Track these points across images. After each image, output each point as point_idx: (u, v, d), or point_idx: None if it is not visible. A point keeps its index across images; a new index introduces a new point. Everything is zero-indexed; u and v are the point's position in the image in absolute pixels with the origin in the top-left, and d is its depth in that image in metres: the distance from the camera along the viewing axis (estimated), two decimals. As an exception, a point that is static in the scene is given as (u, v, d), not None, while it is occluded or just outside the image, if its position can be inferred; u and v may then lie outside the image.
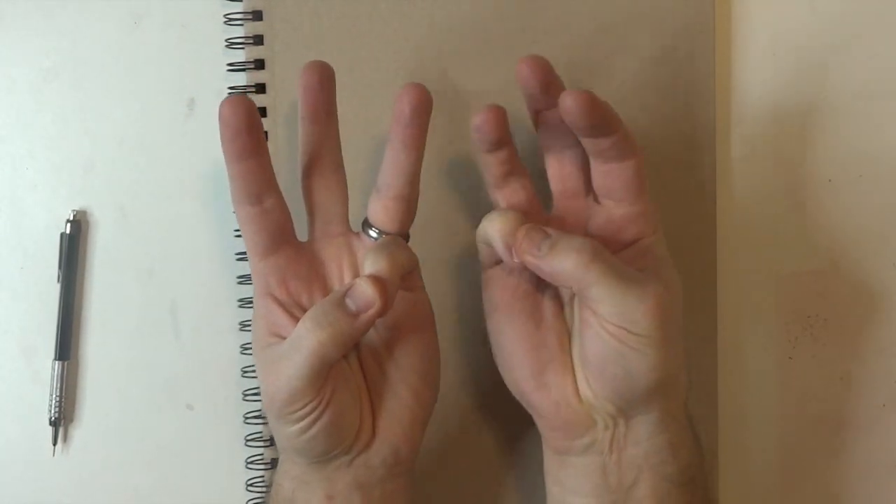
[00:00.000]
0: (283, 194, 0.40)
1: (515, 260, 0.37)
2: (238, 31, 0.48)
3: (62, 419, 0.49)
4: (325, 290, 0.41)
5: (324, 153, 0.40)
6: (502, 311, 0.40)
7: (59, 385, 0.48)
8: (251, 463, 0.49)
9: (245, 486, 0.49)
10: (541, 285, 0.40)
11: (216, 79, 0.48)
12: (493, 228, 0.38)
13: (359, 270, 0.40)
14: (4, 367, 0.49)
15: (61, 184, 0.49)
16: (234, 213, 0.39)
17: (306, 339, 0.36)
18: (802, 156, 0.49)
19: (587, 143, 0.38)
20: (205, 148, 0.48)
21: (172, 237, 0.49)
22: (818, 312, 0.50)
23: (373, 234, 0.40)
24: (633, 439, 0.38)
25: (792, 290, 0.50)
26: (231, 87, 0.48)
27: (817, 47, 0.49)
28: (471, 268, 0.48)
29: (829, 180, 0.50)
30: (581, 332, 0.38)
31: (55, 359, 0.48)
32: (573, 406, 0.39)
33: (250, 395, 0.48)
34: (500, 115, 0.38)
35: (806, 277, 0.50)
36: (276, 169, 0.46)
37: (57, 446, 0.49)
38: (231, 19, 0.47)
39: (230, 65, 0.48)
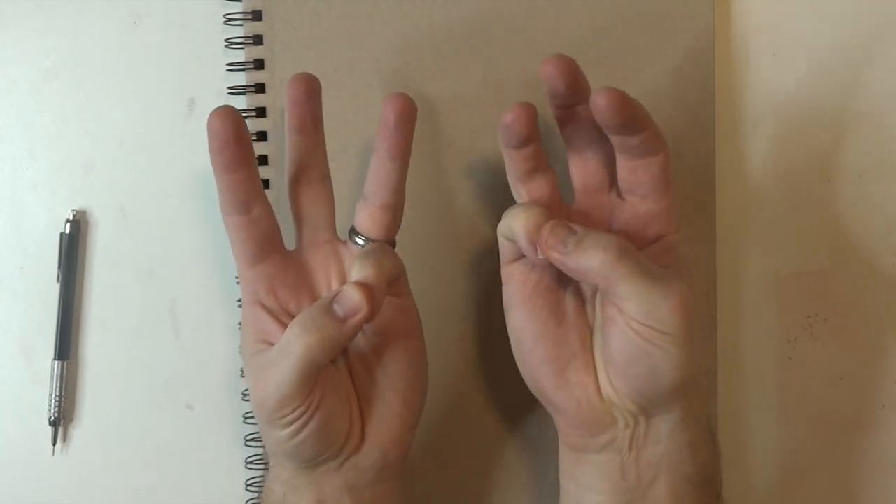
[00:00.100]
0: (281, 195, 0.40)
1: (540, 256, 0.37)
2: (238, 31, 0.48)
3: (62, 419, 0.49)
4: (313, 297, 0.41)
5: (311, 163, 0.40)
6: (523, 307, 0.40)
7: (58, 385, 0.48)
8: (251, 463, 0.49)
9: (245, 486, 0.49)
10: (563, 281, 0.40)
11: (216, 79, 0.48)
12: (518, 223, 0.38)
13: (346, 277, 0.41)
14: (4, 367, 0.49)
15: (61, 184, 0.49)
16: (223, 222, 0.39)
17: (295, 345, 0.36)
18: (802, 156, 0.49)
19: (616, 139, 0.37)
20: (205, 148, 0.47)
21: (172, 237, 0.49)
22: (818, 312, 0.50)
23: (360, 241, 0.41)
24: (654, 438, 0.38)
25: (792, 290, 0.50)
26: (231, 87, 0.48)
27: (817, 47, 0.49)
28: (480, 266, 0.48)
29: (829, 180, 0.50)
30: (605, 330, 0.38)
31: (55, 359, 0.48)
32: (594, 404, 0.39)
33: (250, 395, 0.48)
34: (530, 112, 0.38)
35: (806, 277, 0.50)
36: (275, 169, 0.47)
37: (56, 446, 0.49)
38: (231, 19, 0.47)
39: (230, 65, 0.48)
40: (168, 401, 0.49)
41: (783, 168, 0.49)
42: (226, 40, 0.48)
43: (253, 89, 0.48)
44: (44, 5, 0.48)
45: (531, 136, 0.39)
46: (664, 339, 0.36)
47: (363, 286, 0.37)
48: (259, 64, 0.47)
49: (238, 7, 0.47)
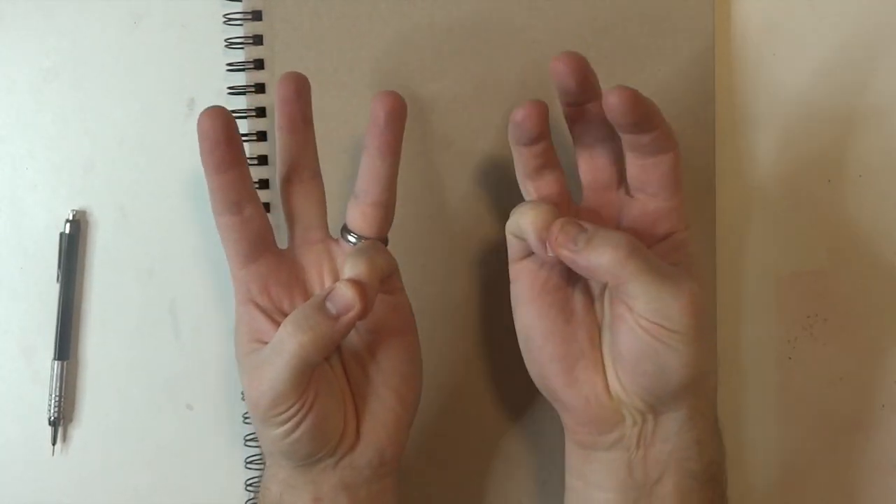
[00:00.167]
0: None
1: (550, 254, 0.37)
2: (238, 31, 0.48)
3: (62, 419, 0.49)
4: (306, 295, 0.41)
5: (301, 162, 0.40)
6: (532, 305, 0.40)
7: (58, 385, 0.48)
8: (250, 463, 0.49)
9: (244, 486, 0.49)
10: (571, 279, 0.40)
11: (216, 79, 0.48)
12: (526, 221, 0.38)
13: (339, 275, 0.41)
14: (4, 367, 0.49)
15: (61, 184, 0.49)
16: (215, 222, 0.39)
17: (288, 343, 0.36)
18: (802, 156, 0.49)
19: (627, 137, 0.37)
20: (205, 148, 0.48)
21: (172, 237, 0.49)
22: (818, 312, 0.50)
23: (352, 239, 0.41)
24: (662, 436, 0.38)
25: (791, 290, 0.50)
26: (231, 87, 0.48)
27: (817, 47, 0.49)
28: (479, 265, 0.48)
29: (829, 180, 0.50)
30: (614, 328, 0.38)
31: (55, 358, 0.48)
32: (603, 402, 0.39)
33: (244, 394, 0.48)
34: (542, 110, 0.38)
35: (806, 277, 0.50)
36: (274, 169, 0.47)
37: (56, 446, 0.49)
38: (231, 19, 0.47)
39: (230, 65, 0.48)
40: (168, 401, 0.49)
41: (783, 168, 0.49)
42: (226, 40, 0.48)
43: (253, 89, 0.48)
44: (44, 5, 0.48)
45: (542, 134, 0.39)
46: (673, 337, 0.36)
47: (355, 283, 0.37)
48: (259, 64, 0.47)
49: (238, 7, 0.47)
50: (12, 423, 0.49)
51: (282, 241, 0.42)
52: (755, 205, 0.49)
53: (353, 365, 0.41)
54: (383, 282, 0.39)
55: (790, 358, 0.50)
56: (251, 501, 0.49)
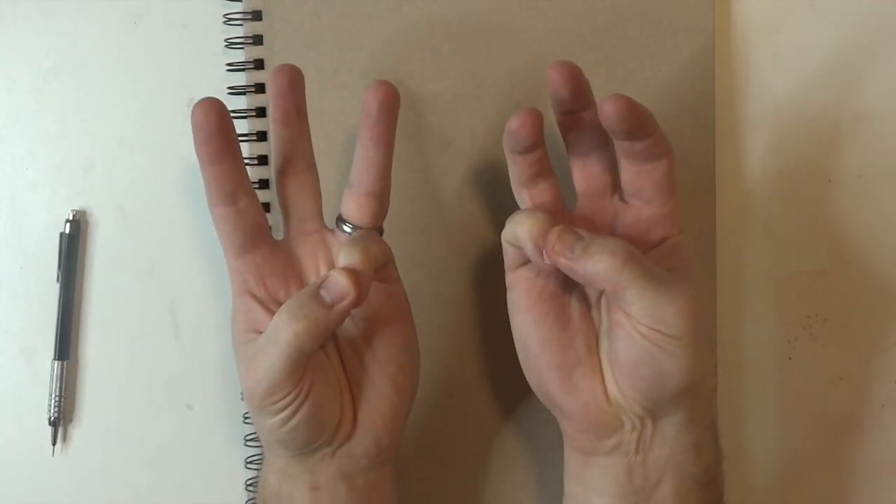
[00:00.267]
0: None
1: (546, 262, 0.37)
2: (238, 31, 0.48)
3: (62, 419, 0.49)
4: (302, 285, 0.41)
5: (296, 153, 0.41)
6: (529, 312, 0.40)
7: (58, 385, 0.48)
8: (251, 463, 0.49)
9: (245, 486, 0.49)
10: (567, 286, 0.40)
11: (216, 79, 0.48)
12: (523, 229, 0.38)
13: (334, 265, 0.41)
14: (4, 367, 0.49)
15: (61, 184, 0.49)
16: (210, 214, 0.40)
17: (282, 332, 0.37)
18: (802, 156, 0.49)
19: (621, 144, 0.37)
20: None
21: (172, 237, 0.49)
22: (818, 312, 0.50)
23: (347, 229, 0.41)
24: (660, 440, 0.39)
25: (791, 290, 0.50)
26: (231, 87, 0.48)
27: (817, 47, 0.49)
28: (479, 264, 0.48)
29: (829, 180, 0.50)
30: (611, 334, 0.38)
31: (55, 358, 0.48)
32: (602, 407, 0.39)
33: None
34: (536, 119, 0.38)
35: (806, 277, 0.50)
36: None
37: (56, 446, 0.49)
38: (231, 19, 0.47)
39: (230, 65, 0.48)
40: (168, 401, 0.49)
41: (783, 168, 0.49)
42: (226, 40, 0.48)
43: (253, 89, 0.48)
44: (44, 5, 0.48)
45: (536, 143, 0.39)
46: (671, 343, 0.36)
47: (350, 272, 0.37)
48: (259, 64, 0.47)
49: (238, 7, 0.47)
50: (12, 424, 0.49)
51: (279, 236, 0.42)
52: (755, 204, 0.49)
53: (349, 353, 0.41)
54: (378, 270, 0.39)
55: (790, 358, 0.50)
56: (251, 501, 0.49)
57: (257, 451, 0.49)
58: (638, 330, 0.36)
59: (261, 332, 0.39)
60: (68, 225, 0.48)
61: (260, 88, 0.48)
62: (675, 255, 0.39)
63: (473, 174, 0.48)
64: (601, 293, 0.39)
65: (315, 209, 0.42)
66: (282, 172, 0.41)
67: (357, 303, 0.37)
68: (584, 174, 0.41)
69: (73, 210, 0.49)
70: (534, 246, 0.37)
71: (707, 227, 0.48)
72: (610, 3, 0.47)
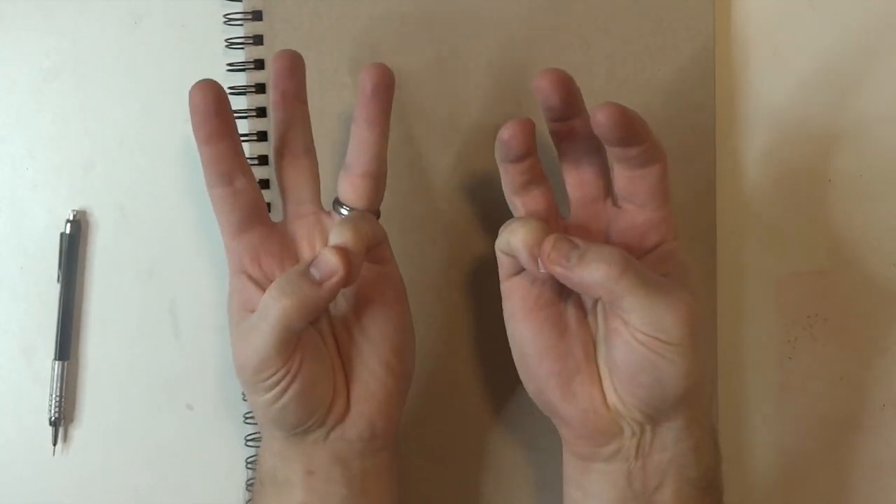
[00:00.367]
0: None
1: (542, 270, 0.37)
2: (238, 31, 0.48)
3: (62, 419, 0.49)
4: None
5: (295, 137, 0.41)
6: (525, 321, 0.40)
7: (59, 385, 0.48)
8: (251, 463, 0.49)
9: (245, 486, 0.49)
10: (563, 293, 0.40)
11: (216, 79, 0.48)
12: (517, 239, 0.37)
13: None
14: (4, 367, 0.49)
15: (61, 184, 0.49)
16: (208, 195, 0.40)
17: (272, 308, 0.37)
18: (802, 156, 0.49)
19: (614, 151, 0.37)
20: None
21: (172, 237, 0.49)
22: (818, 312, 0.50)
23: (343, 211, 0.41)
24: (660, 445, 0.38)
25: (792, 290, 0.50)
26: (231, 87, 0.48)
27: (817, 46, 0.49)
28: (477, 263, 0.48)
29: (829, 180, 0.50)
30: (609, 341, 0.38)
31: (55, 359, 0.48)
32: (601, 414, 0.39)
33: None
34: (528, 128, 0.38)
35: (806, 277, 0.50)
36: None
37: (57, 446, 0.49)
38: (231, 19, 0.47)
39: (230, 65, 0.48)
40: (168, 401, 0.49)
41: (783, 168, 0.49)
42: (226, 40, 0.48)
43: (253, 89, 0.48)
44: (44, 5, 0.48)
45: (528, 152, 0.39)
46: (669, 350, 0.36)
47: (340, 249, 0.37)
48: (259, 64, 0.47)
49: (238, 7, 0.47)
50: (12, 424, 0.49)
51: (277, 217, 0.42)
52: (755, 204, 0.49)
53: (342, 334, 0.41)
54: (371, 251, 0.39)
55: (790, 358, 0.50)
56: (250, 481, 0.49)
57: (258, 451, 0.49)
58: (636, 337, 0.36)
59: (255, 311, 0.39)
60: (68, 225, 0.48)
61: (260, 88, 0.48)
62: (670, 260, 0.39)
63: (470, 176, 0.48)
64: (597, 300, 0.39)
65: (312, 192, 0.42)
66: (280, 155, 0.42)
67: (347, 281, 0.37)
68: (578, 180, 0.41)
69: (73, 210, 0.49)
70: (529, 255, 0.37)
71: (707, 227, 0.48)
72: (610, 3, 0.47)
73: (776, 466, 0.50)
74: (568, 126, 0.39)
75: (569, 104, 0.38)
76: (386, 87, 0.40)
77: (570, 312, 0.40)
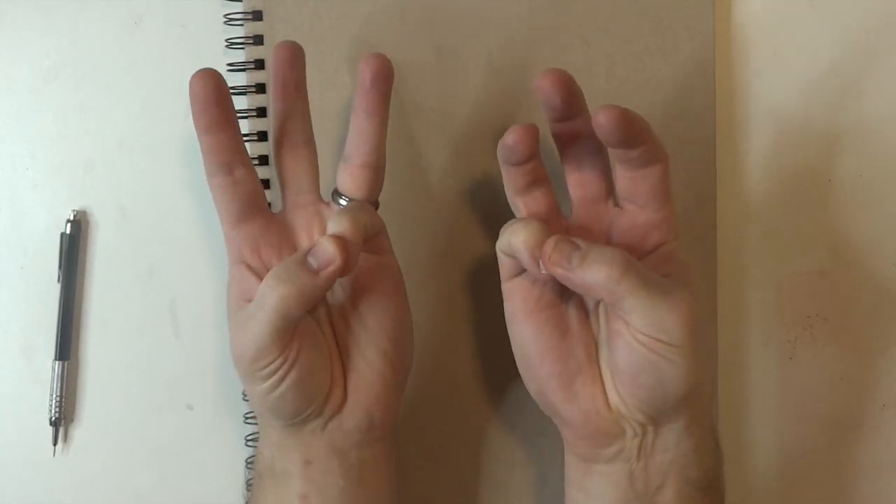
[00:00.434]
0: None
1: (543, 272, 0.37)
2: (238, 32, 0.48)
3: (62, 419, 0.49)
4: None
5: (295, 128, 0.41)
6: (527, 322, 0.40)
7: (59, 385, 0.48)
8: (251, 463, 0.49)
9: (245, 486, 0.49)
10: (565, 294, 0.40)
11: (216, 78, 0.48)
12: (518, 240, 0.37)
13: None
14: (4, 367, 0.49)
15: (61, 184, 0.49)
16: (207, 185, 0.40)
17: (269, 296, 0.37)
18: (802, 156, 0.49)
19: (616, 152, 0.37)
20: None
21: (172, 237, 0.49)
22: (818, 312, 0.50)
23: (342, 202, 0.41)
24: (661, 446, 0.38)
25: (792, 290, 0.50)
26: (231, 88, 0.47)
27: (817, 46, 0.49)
28: (476, 263, 0.48)
29: (829, 180, 0.50)
30: (611, 342, 0.38)
31: (55, 359, 0.48)
32: (603, 415, 0.39)
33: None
34: (533, 134, 0.38)
35: (806, 277, 0.50)
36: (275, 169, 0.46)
37: (57, 446, 0.49)
38: (231, 19, 0.47)
39: (230, 65, 0.48)
40: (168, 401, 0.49)
41: (783, 168, 0.49)
42: (226, 40, 0.48)
43: (253, 89, 0.48)
44: (44, 5, 0.48)
45: (531, 156, 0.39)
46: (671, 351, 0.36)
47: (337, 239, 0.37)
48: (259, 64, 0.47)
49: (238, 7, 0.47)
50: (13, 424, 0.49)
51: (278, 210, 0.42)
52: (755, 205, 0.49)
53: (340, 324, 0.41)
54: (370, 241, 0.40)
55: (791, 358, 0.50)
56: (250, 480, 0.49)
57: (256, 446, 0.49)
58: (637, 339, 0.36)
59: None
60: (68, 225, 0.48)
61: (260, 88, 0.48)
62: (671, 261, 0.39)
63: (469, 175, 0.48)
64: (599, 301, 0.39)
65: (311, 182, 0.42)
66: (280, 146, 0.42)
67: (344, 270, 0.37)
68: (579, 180, 0.41)
69: (73, 210, 0.49)
70: (530, 256, 0.37)
71: (708, 227, 0.48)
72: (610, 3, 0.47)
73: (776, 466, 0.50)
74: (569, 126, 0.39)
75: (570, 104, 0.38)
76: (385, 77, 0.40)
77: (572, 313, 0.40)
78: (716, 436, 0.41)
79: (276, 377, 0.38)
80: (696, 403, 0.38)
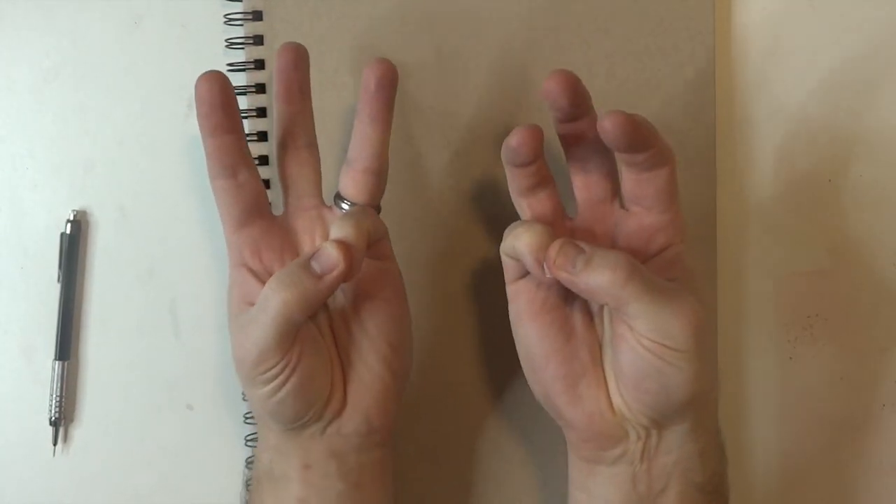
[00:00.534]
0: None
1: (548, 275, 0.37)
2: (238, 32, 0.48)
3: (62, 419, 0.49)
4: None
5: (297, 130, 0.41)
6: (532, 324, 0.39)
7: (59, 385, 0.48)
8: (251, 463, 0.49)
9: (245, 486, 0.49)
10: (569, 297, 0.40)
11: (216, 79, 0.48)
12: (522, 243, 0.37)
13: None
14: (4, 367, 0.49)
15: (61, 184, 0.49)
16: (210, 187, 0.40)
17: (272, 300, 0.37)
18: (802, 156, 0.49)
19: (622, 155, 0.37)
20: (205, 148, 0.48)
21: (172, 237, 0.49)
22: (818, 312, 0.50)
23: (345, 206, 0.41)
24: (665, 449, 0.38)
25: (791, 289, 0.50)
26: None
27: (817, 46, 0.49)
28: (484, 258, 0.48)
29: (829, 180, 0.50)
30: (615, 346, 0.38)
31: (55, 359, 0.48)
32: (607, 418, 0.39)
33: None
34: (537, 135, 0.38)
35: (806, 277, 0.50)
36: (275, 169, 0.47)
37: (57, 446, 0.49)
38: (231, 19, 0.47)
39: (230, 65, 0.48)
40: (168, 401, 0.49)
41: (783, 167, 0.49)
42: (226, 40, 0.48)
43: (253, 89, 0.48)
44: (44, 5, 0.48)
45: (536, 157, 0.39)
46: (676, 356, 0.36)
47: (341, 244, 0.37)
48: (259, 64, 0.47)
49: (238, 7, 0.47)
50: (13, 424, 0.49)
51: (279, 213, 0.42)
52: (755, 204, 0.49)
53: (340, 329, 0.41)
54: (372, 247, 0.39)
55: (790, 358, 0.50)
56: (248, 482, 0.49)
57: (255, 449, 0.49)
58: (642, 343, 0.36)
59: (254, 304, 0.39)
60: (68, 225, 0.48)
61: (260, 88, 0.48)
62: (677, 265, 0.39)
63: (470, 175, 0.48)
64: (603, 304, 0.39)
65: (314, 186, 0.42)
66: (283, 148, 0.42)
67: (347, 275, 0.37)
68: (585, 182, 0.40)
69: (73, 210, 0.49)
70: (534, 260, 0.37)
71: (708, 226, 0.48)
72: (610, 3, 0.47)
73: (776, 466, 0.50)
74: (575, 127, 0.39)
75: (577, 105, 0.38)
76: (390, 82, 0.40)
77: (577, 315, 0.40)
78: (721, 439, 0.41)
79: (277, 381, 0.38)
80: (701, 408, 0.38)
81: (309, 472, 0.40)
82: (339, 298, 0.41)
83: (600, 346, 0.40)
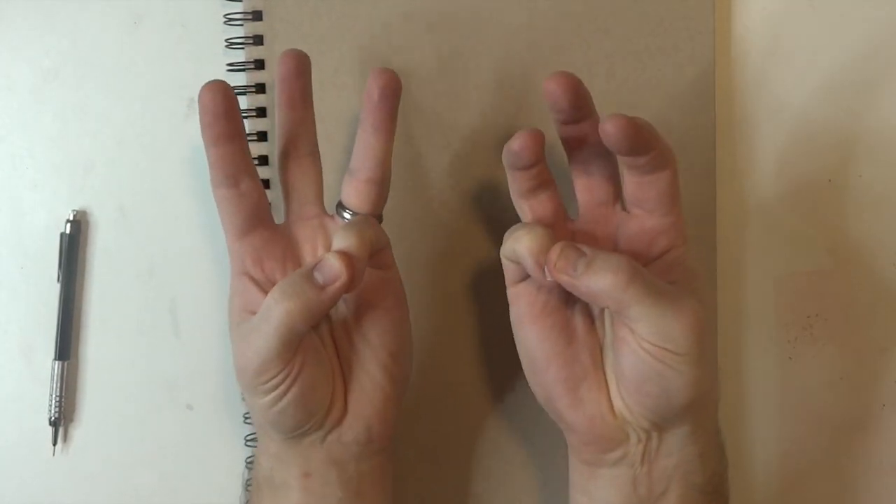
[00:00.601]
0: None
1: (549, 279, 0.37)
2: (238, 32, 0.48)
3: (62, 419, 0.49)
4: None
5: (299, 138, 0.41)
6: (533, 327, 0.39)
7: (58, 385, 0.48)
8: (251, 463, 0.49)
9: (245, 486, 0.49)
10: (570, 300, 0.40)
11: (216, 79, 0.48)
12: (522, 246, 0.37)
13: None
14: (4, 367, 0.49)
15: (61, 184, 0.49)
16: (213, 195, 0.40)
17: (275, 310, 0.37)
18: (802, 155, 0.49)
19: (624, 158, 0.37)
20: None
21: (172, 237, 0.49)
22: (818, 312, 0.50)
23: (346, 215, 0.41)
24: (666, 451, 0.38)
25: (791, 290, 0.50)
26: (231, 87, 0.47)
27: (817, 47, 0.49)
28: (485, 258, 0.48)
29: (829, 180, 0.50)
30: (616, 350, 0.38)
31: (55, 359, 0.48)
32: (607, 421, 0.38)
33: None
34: (538, 140, 0.38)
35: (805, 277, 0.50)
36: (275, 169, 0.47)
37: (57, 446, 0.49)
38: (231, 19, 0.47)
39: (230, 65, 0.48)
40: (168, 401, 0.49)
41: (783, 168, 0.49)
42: (226, 40, 0.48)
43: (253, 89, 0.48)
44: (44, 5, 0.48)
45: (537, 160, 0.39)
46: (677, 360, 0.36)
47: (344, 255, 0.37)
48: (259, 64, 0.47)
49: (238, 7, 0.47)
50: (12, 424, 0.49)
51: (279, 217, 0.42)
52: (755, 205, 0.49)
53: (342, 338, 0.41)
54: (374, 256, 0.39)
55: (790, 358, 0.50)
56: (248, 483, 0.49)
57: (254, 453, 0.49)
58: (643, 347, 0.36)
59: (255, 313, 0.39)
60: (68, 225, 0.48)
61: (260, 89, 0.48)
62: (678, 267, 0.39)
63: (470, 177, 0.48)
64: (605, 307, 0.39)
65: (316, 194, 0.42)
66: (284, 156, 0.42)
67: (350, 286, 0.37)
68: (587, 184, 0.40)
69: (73, 210, 0.49)
70: (535, 263, 0.37)
71: (708, 227, 0.48)
72: (610, 3, 0.47)
73: (776, 466, 0.50)
74: (577, 129, 0.39)
75: (578, 108, 0.37)
76: (393, 92, 0.40)
77: (578, 318, 0.40)
78: (721, 440, 0.41)
79: (278, 391, 0.38)
80: (702, 410, 0.38)
81: (309, 481, 0.40)
82: (341, 308, 0.41)
83: (601, 349, 0.40)
